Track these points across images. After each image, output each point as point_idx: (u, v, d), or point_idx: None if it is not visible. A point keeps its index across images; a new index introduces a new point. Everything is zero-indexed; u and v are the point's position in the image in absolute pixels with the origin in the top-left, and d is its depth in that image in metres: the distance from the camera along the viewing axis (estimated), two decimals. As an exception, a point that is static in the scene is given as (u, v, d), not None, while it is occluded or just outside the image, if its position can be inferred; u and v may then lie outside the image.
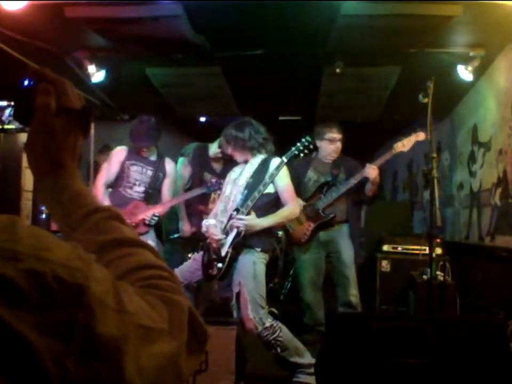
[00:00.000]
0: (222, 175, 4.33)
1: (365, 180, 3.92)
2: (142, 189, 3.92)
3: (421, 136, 3.85)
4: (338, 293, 4.07)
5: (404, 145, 3.86)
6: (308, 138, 3.31)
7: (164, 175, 4.01)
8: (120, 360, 0.48)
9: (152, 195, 3.96)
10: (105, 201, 3.75)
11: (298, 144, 3.29)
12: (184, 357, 0.58)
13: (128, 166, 3.92)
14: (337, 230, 4.11)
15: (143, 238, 3.70)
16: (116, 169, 3.93)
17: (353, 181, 3.96)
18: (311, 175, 4.22)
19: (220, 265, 3.16)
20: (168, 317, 0.57)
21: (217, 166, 4.49)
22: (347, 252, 4.05)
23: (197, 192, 4.06)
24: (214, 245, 3.22)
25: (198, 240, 4.26)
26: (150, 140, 3.92)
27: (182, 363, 0.58)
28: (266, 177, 3.17)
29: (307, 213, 4.10)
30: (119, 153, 3.98)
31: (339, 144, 4.15)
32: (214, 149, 4.42)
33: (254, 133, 3.30)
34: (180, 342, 0.58)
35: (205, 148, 4.52)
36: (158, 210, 3.85)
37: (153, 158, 4.00)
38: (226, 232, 3.21)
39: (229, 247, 3.15)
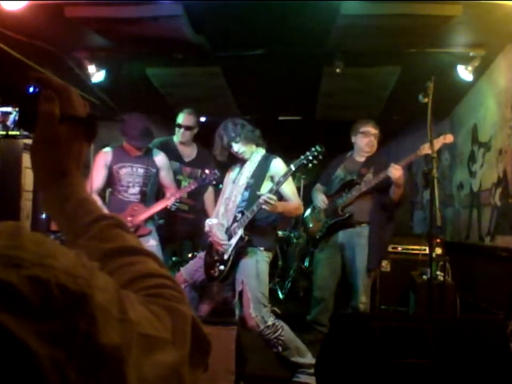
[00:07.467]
0: (194, 163, 4.27)
1: (390, 182, 3.77)
2: (136, 189, 3.79)
3: (448, 138, 3.72)
4: (351, 296, 3.98)
5: (430, 147, 3.59)
6: (318, 148, 3.04)
7: (156, 169, 3.86)
8: (122, 370, 0.48)
9: (148, 194, 3.83)
10: (104, 209, 3.67)
11: (308, 153, 3.04)
12: (187, 367, 0.58)
13: (117, 170, 3.78)
14: (357, 231, 3.95)
15: (144, 239, 3.71)
16: (103, 174, 3.76)
17: (374, 181, 3.83)
18: (339, 172, 4.15)
19: (221, 267, 3.14)
20: (172, 327, 0.57)
21: (186, 155, 4.40)
22: (360, 259, 3.88)
23: (194, 185, 3.82)
24: (217, 247, 3.20)
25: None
26: (150, 138, 3.82)
27: (185, 373, 0.57)
28: (273, 184, 3.11)
29: (326, 210, 4.05)
30: (104, 156, 3.78)
31: (373, 139, 4.04)
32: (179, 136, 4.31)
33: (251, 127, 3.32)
34: (183, 352, 0.57)
35: (169, 140, 4.42)
36: (176, 196, 3.72)
37: (140, 154, 3.82)
38: (229, 235, 3.19)
39: (231, 251, 3.13)
